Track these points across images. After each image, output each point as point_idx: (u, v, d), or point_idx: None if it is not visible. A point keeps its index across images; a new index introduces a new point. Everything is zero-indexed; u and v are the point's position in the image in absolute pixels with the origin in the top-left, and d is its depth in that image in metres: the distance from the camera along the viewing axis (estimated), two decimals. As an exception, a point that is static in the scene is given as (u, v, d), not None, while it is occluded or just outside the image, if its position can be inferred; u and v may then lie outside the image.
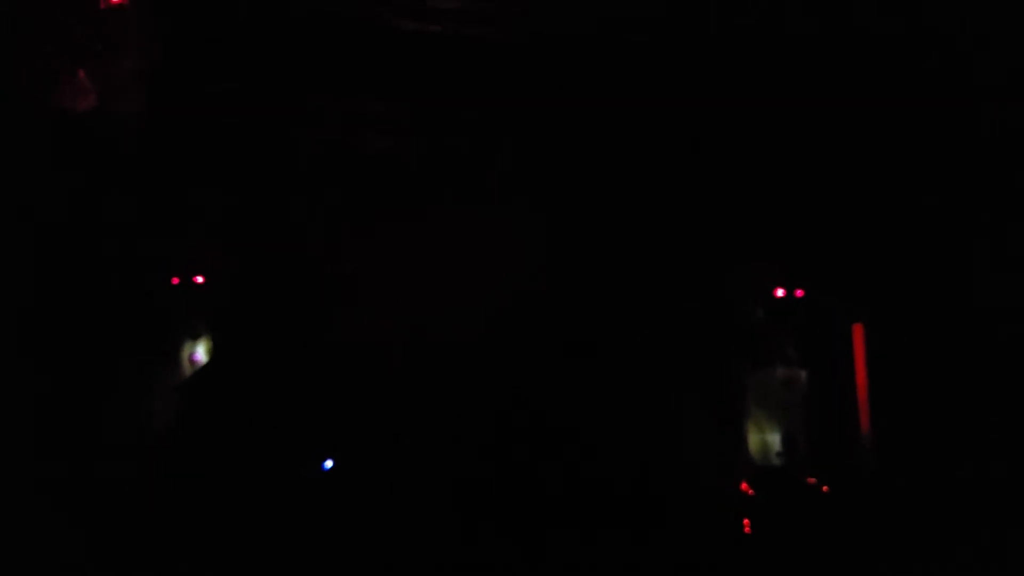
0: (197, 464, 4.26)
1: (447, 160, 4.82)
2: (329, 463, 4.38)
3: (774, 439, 4.38)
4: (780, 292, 4.48)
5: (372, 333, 4.51)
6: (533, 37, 4.70)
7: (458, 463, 4.34)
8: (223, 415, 4.38)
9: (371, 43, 4.67)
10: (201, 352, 4.37)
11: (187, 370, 4.38)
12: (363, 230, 4.67)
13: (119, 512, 3.96)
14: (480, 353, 4.51)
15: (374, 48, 4.68)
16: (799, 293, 4.45)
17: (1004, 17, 4.29)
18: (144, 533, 3.97)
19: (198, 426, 4.37)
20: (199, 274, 4.36)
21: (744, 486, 4.14)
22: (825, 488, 4.09)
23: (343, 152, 4.75)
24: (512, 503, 4.27)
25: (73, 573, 3.77)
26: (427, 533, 4.16)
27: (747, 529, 4.18)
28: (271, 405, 4.35)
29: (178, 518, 4.06)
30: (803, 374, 4.45)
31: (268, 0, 4.53)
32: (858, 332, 4.25)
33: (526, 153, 4.83)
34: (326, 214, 4.67)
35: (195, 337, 4.37)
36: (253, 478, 4.20)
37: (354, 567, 4.09)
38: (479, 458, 4.35)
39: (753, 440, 4.40)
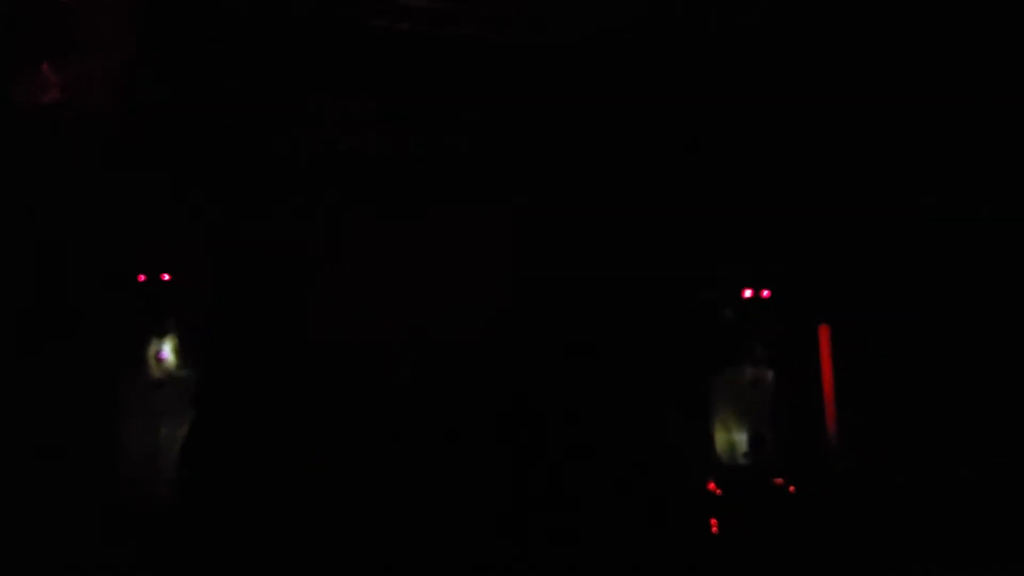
0: (175, 463, 4.26)
1: (444, 160, 4.82)
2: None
3: (741, 439, 4.40)
4: (748, 293, 4.50)
5: (368, 333, 4.50)
6: (531, 39, 4.71)
7: (446, 460, 4.35)
8: (206, 415, 4.37)
9: (366, 44, 4.66)
10: (167, 350, 4.33)
11: (154, 368, 4.34)
12: (359, 229, 4.67)
13: (86, 513, 3.94)
14: (465, 353, 4.52)
15: (370, 49, 4.68)
16: (766, 294, 4.48)
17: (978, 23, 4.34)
18: (117, 530, 3.96)
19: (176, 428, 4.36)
20: (166, 272, 4.32)
21: (711, 485, 4.15)
22: (792, 488, 4.10)
23: (338, 152, 4.74)
24: (483, 503, 4.28)
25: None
26: (421, 531, 4.16)
27: (714, 528, 4.19)
28: (256, 405, 4.33)
29: (156, 518, 4.06)
30: (770, 374, 4.47)
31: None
32: (824, 333, 4.27)
33: (506, 157, 4.85)
34: (320, 213, 4.66)
35: (161, 335, 4.33)
36: (239, 477, 4.21)
37: (352, 566, 4.08)
38: (463, 454, 4.37)
39: (720, 440, 4.42)
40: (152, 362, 4.33)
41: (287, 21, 4.52)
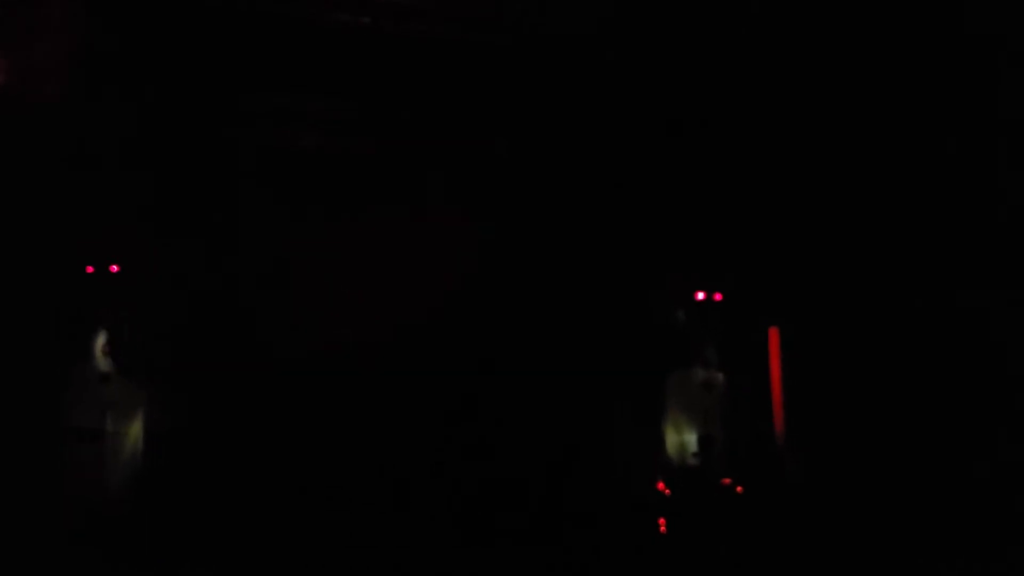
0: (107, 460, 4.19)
1: (388, 160, 4.80)
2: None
3: (691, 440, 4.43)
4: (700, 296, 4.55)
5: (318, 329, 4.47)
6: (496, 37, 4.72)
7: (396, 464, 4.34)
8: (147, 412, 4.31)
9: (311, 40, 4.63)
10: (115, 343, 4.27)
11: (100, 361, 4.27)
12: (301, 228, 4.64)
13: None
14: (415, 354, 4.51)
15: (315, 46, 4.65)
16: (718, 297, 4.53)
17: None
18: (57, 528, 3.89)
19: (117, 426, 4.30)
20: (115, 263, 4.26)
21: (660, 486, 4.17)
22: (739, 489, 4.14)
23: (279, 150, 4.70)
24: (433, 506, 4.27)
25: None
26: (365, 537, 4.15)
27: (663, 528, 4.21)
28: (205, 399, 4.28)
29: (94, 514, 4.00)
30: (721, 376, 4.51)
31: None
32: (774, 335, 4.33)
33: (464, 157, 4.85)
34: (261, 211, 4.62)
35: (109, 327, 4.27)
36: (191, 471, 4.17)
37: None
38: (414, 458, 4.36)
39: (670, 440, 4.45)
40: (99, 355, 4.27)
41: (247, 15, 4.49)
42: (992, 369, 4.27)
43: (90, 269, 4.22)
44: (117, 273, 4.25)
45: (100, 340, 4.25)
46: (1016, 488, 4.13)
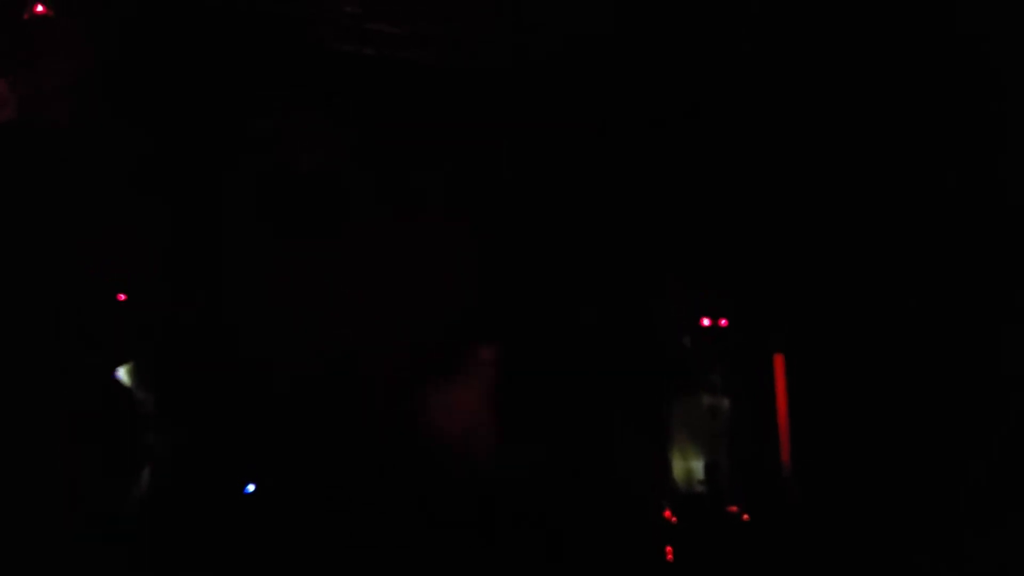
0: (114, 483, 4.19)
1: (376, 181, 4.83)
2: (251, 487, 4.32)
3: (698, 466, 4.42)
4: (706, 321, 4.55)
5: (293, 353, 4.48)
6: (471, 63, 4.75)
7: (386, 488, 4.33)
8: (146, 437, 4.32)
9: (307, 64, 4.67)
10: (122, 372, 4.27)
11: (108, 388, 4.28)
12: (292, 249, 4.65)
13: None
14: (407, 375, 4.50)
15: (310, 69, 4.69)
16: (723, 322, 4.53)
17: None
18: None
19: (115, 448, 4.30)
20: (121, 292, 4.27)
21: (667, 513, 4.16)
22: (746, 517, 4.13)
23: (275, 172, 4.73)
24: (433, 530, 4.25)
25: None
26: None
27: (669, 557, 4.20)
28: (190, 427, 4.29)
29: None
30: (727, 402, 4.51)
31: (208, 19, 4.51)
32: (779, 362, 4.32)
33: (457, 176, 4.87)
34: (276, 234, 4.64)
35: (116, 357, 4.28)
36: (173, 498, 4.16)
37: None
38: (405, 482, 4.35)
39: (677, 467, 4.44)
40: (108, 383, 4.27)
41: (246, 42, 4.53)
42: (999, 396, 4.27)
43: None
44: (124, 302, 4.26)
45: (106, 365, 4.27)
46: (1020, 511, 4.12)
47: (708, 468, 4.33)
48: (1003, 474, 4.22)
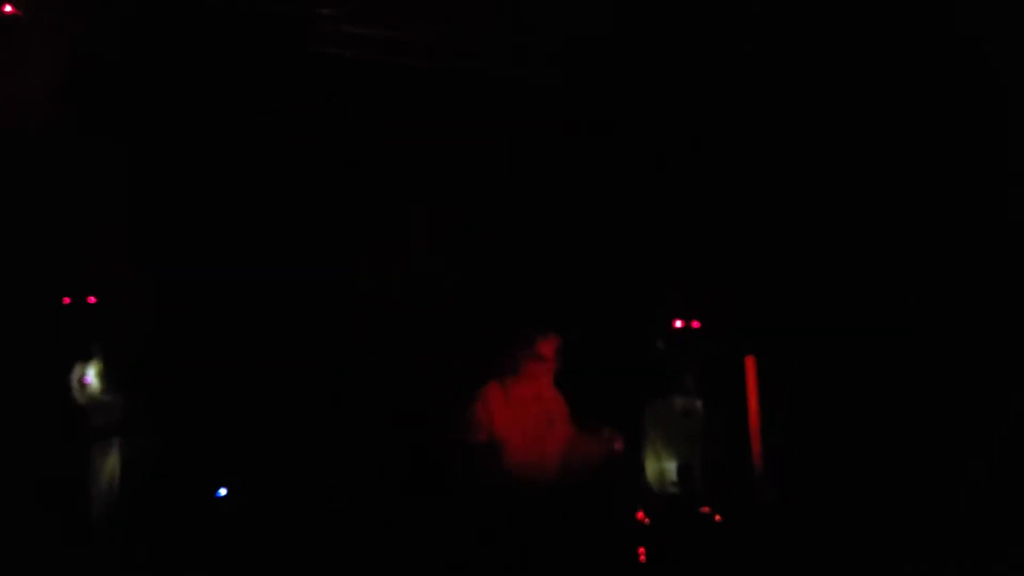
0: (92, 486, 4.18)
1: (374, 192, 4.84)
2: (223, 491, 4.31)
3: (671, 468, 4.44)
4: (679, 324, 4.58)
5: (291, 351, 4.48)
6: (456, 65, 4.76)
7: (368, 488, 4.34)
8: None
9: (289, 65, 4.66)
10: (92, 375, 4.25)
11: (78, 393, 4.26)
12: (267, 248, 4.65)
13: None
14: (381, 378, 4.52)
15: (292, 70, 4.68)
16: (696, 325, 4.56)
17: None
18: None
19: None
20: (93, 295, 4.26)
21: (640, 514, 4.17)
22: (718, 517, 4.15)
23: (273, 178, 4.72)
24: (410, 531, 4.26)
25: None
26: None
27: (642, 557, 4.21)
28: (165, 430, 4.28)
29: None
30: (699, 404, 4.53)
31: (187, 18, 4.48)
32: (750, 364, 4.35)
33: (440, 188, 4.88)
34: (250, 237, 4.64)
35: (86, 359, 4.26)
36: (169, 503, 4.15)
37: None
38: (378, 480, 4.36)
39: (650, 469, 4.46)
40: (76, 388, 4.25)
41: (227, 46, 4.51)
42: (966, 396, 4.31)
43: (67, 300, 4.22)
44: (95, 305, 4.24)
45: (78, 373, 4.25)
46: (993, 512, 4.17)
47: (681, 470, 4.35)
48: (972, 472, 4.27)
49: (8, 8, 3.94)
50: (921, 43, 4.27)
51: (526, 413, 3.87)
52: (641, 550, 4.18)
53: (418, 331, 4.68)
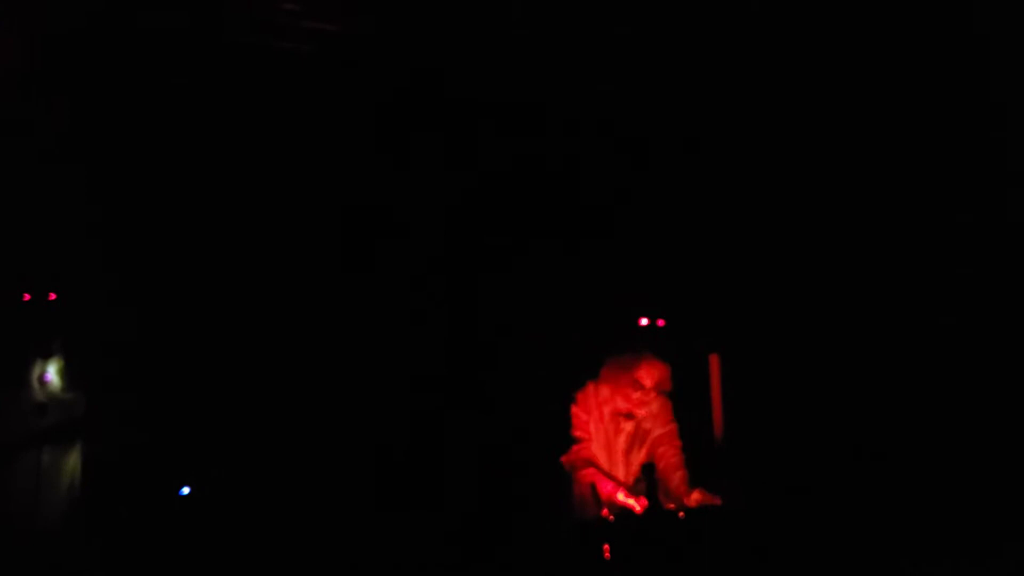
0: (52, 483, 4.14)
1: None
2: (186, 490, 4.28)
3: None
4: (644, 322, 4.59)
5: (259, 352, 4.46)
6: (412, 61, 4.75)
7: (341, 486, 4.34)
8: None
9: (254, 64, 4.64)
10: (52, 372, 4.20)
11: (37, 391, 4.20)
12: (238, 246, 4.63)
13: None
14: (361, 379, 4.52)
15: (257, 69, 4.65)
16: (661, 323, 4.58)
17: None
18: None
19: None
20: (53, 291, 4.20)
21: (604, 511, 4.18)
22: (681, 514, 4.16)
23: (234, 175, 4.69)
24: (376, 530, 4.26)
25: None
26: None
27: (607, 554, 4.22)
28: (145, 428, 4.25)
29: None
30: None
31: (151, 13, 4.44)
32: (714, 362, 4.38)
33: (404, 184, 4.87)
34: (214, 234, 4.60)
35: (46, 356, 4.21)
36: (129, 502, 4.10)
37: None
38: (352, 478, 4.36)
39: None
40: (36, 385, 4.20)
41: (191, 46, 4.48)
42: (929, 395, 4.38)
43: (27, 297, 4.17)
44: (55, 301, 4.19)
45: (38, 370, 4.20)
46: (950, 507, 4.23)
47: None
48: (937, 472, 4.34)
49: None
50: (921, 43, 4.33)
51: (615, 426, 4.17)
52: (606, 547, 4.19)
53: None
